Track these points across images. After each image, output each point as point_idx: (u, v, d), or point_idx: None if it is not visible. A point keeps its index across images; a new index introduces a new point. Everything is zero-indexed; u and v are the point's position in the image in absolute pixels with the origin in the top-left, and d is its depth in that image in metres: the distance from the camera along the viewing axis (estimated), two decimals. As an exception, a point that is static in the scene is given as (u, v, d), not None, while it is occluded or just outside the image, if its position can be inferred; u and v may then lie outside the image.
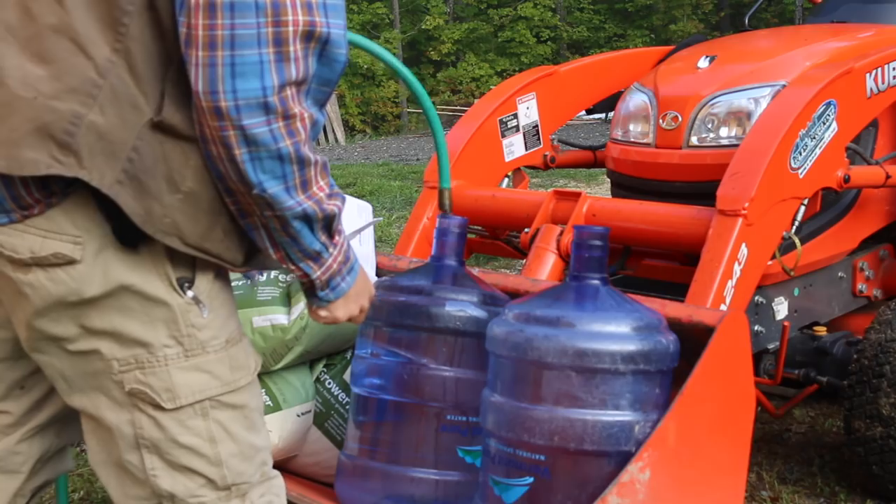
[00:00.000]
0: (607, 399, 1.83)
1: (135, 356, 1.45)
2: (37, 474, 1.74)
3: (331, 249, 1.51)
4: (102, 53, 1.37)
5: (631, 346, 1.83)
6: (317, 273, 1.51)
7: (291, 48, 1.35)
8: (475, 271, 2.29)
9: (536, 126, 3.37)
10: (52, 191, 1.39)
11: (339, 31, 1.40)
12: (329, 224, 1.48)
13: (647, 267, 2.90)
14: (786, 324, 2.78)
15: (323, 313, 1.59)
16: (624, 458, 1.83)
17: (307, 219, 1.44)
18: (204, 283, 1.48)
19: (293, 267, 1.51)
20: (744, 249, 2.50)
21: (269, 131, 1.36)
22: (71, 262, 1.40)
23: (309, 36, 1.36)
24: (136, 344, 1.45)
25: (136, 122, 1.38)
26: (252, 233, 1.48)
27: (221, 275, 1.54)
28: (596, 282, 1.94)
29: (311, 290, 1.56)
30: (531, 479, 1.87)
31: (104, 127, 1.36)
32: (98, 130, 1.36)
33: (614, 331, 1.85)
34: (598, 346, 1.82)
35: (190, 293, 1.46)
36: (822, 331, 3.00)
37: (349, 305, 1.60)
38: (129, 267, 1.42)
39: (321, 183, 1.45)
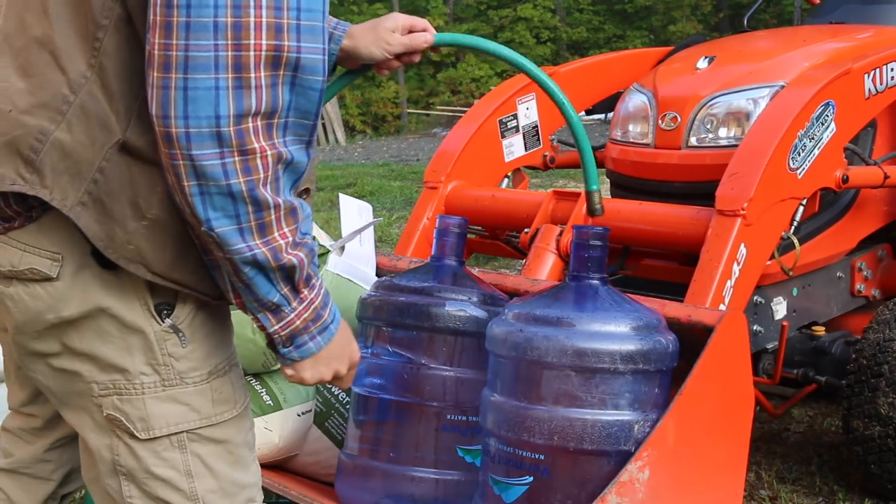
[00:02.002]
0: (607, 398, 1.84)
1: (113, 381, 1.41)
2: (68, 483, 1.75)
3: (293, 304, 1.37)
4: (77, 68, 1.32)
5: (630, 346, 1.83)
6: (274, 327, 1.38)
7: (253, 75, 1.23)
8: (475, 271, 2.29)
9: (536, 126, 3.38)
10: (31, 205, 1.35)
11: (314, 55, 1.28)
12: (290, 275, 1.34)
13: (646, 267, 2.90)
14: (784, 323, 2.79)
15: (289, 371, 1.45)
16: (623, 458, 1.84)
17: (259, 266, 1.32)
18: (185, 312, 1.41)
19: (251, 316, 1.39)
20: (742, 249, 2.50)
21: (220, 165, 1.25)
22: (48, 278, 1.36)
23: (275, 62, 1.24)
24: (113, 369, 1.40)
25: (105, 141, 1.32)
26: (214, 272, 1.38)
27: (210, 303, 1.45)
28: (595, 282, 1.94)
29: (272, 345, 1.42)
30: (531, 479, 1.87)
31: (70, 145, 1.31)
32: (63, 149, 1.31)
33: (613, 330, 1.85)
34: (598, 346, 1.83)
35: (168, 321, 1.40)
36: (820, 330, 3.01)
37: (319, 368, 1.45)
38: (108, 289, 1.37)
39: (285, 230, 1.32)
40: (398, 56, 1.90)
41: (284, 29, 1.24)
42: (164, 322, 1.40)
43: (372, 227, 2.64)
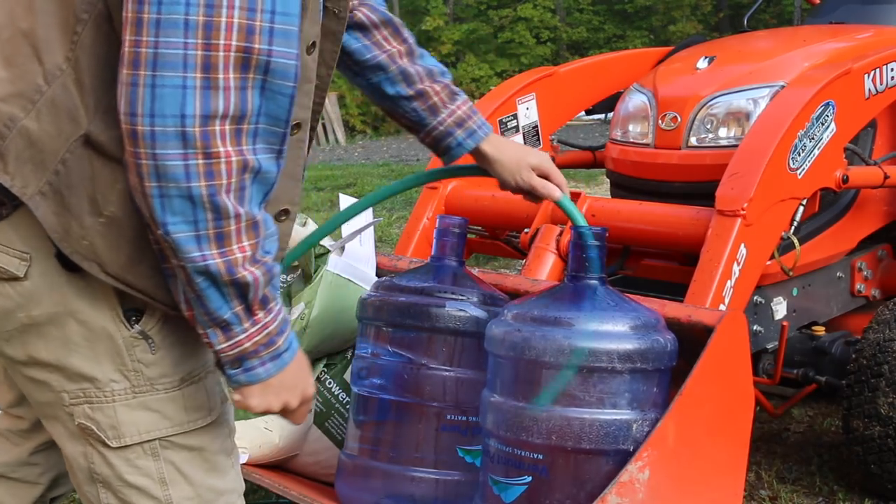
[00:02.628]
0: (605, 398, 1.84)
1: (83, 390, 1.39)
2: (57, 487, 1.74)
3: (245, 324, 1.32)
4: (54, 61, 1.31)
5: (628, 345, 1.84)
6: (222, 345, 1.32)
7: (222, 76, 1.21)
8: (475, 271, 2.29)
9: (536, 127, 3.38)
10: (1, 202, 1.34)
11: (286, 59, 1.26)
12: (244, 293, 1.29)
13: (646, 267, 2.90)
14: (784, 323, 2.79)
15: (236, 396, 1.39)
16: (622, 457, 1.84)
17: (211, 278, 1.27)
18: (154, 318, 1.39)
19: (200, 332, 1.33)
20: (743, 249, 2.50)
21: (183, 166, 1.22)
22: (15, 278, 1.35)
23: (245, 64, 1.22)
24: (82, 378, 1.39)
25: (71, 134, 1.31)
26: (169, 280, 1.34)
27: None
28: (593, 281, 1.94)
29: (219, 364, 1.37)
30: (529, 479, 1.88)
31: (36, 134, 1.31)
32: (29, 137, 1.31)
33: (611, 330, 1.85)
34: (595, 345, 1.83)
35: (137, 327, 1.38)
36: (820, 330, 3.01)
37: (267, 397, 1.39)
38: (77, 293, 1.36)
39: (244, 243, 1.27)
40: (521, 188, 2.00)
41: (256, 31, 1.22)
42: (132, 328, 1.38)
43: (372, 227, 2.65)
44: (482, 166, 2.03)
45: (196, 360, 1.46)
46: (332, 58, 1.53)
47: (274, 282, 1.33)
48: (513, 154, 2.01)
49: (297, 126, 1.43)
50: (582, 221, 2.01)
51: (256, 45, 1.22)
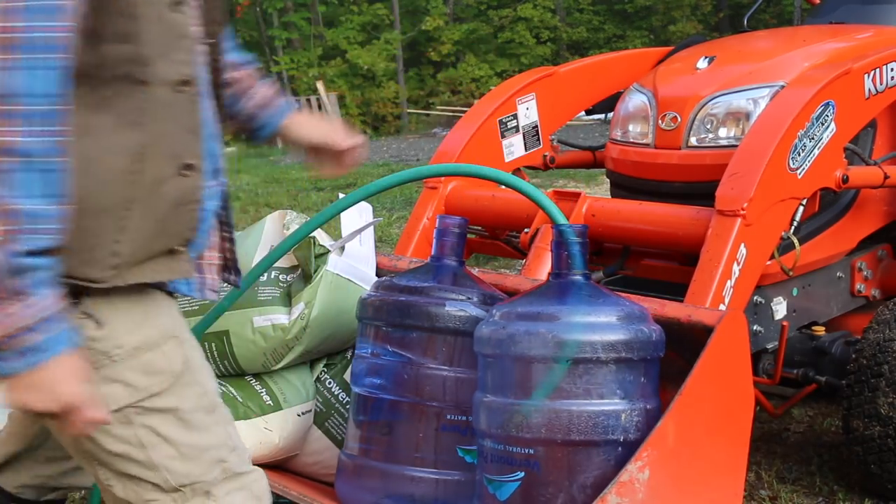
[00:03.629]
0: (592, 389, 1.85)
1: None
2: (72, 474, 1.81)
3: None
4: None
5: (612, 336, 1.85)
6: None
7: None
8: (475, 271, 2.30)
9: (536, 126, 3.38)
10: None
11: (45, 34, 1.25)
12: None
13: (646, 267, 2.90)
14: (784, 323, 2.79)
15: None
16: (612, 447, 1.85)
17: None
18: (92, 297, 1.42)
19: None
20: (742, 249, 2.50)
21: None
22: None
23: (3, 45, 1.24)
24: None
25: None
26: None
27: (110, 287, 1.42)
28: (577, 278, 1.95)
29: None
30: (522, 474, 1.88)
31: None
32: None
33: (594, 321, 1.87)
34: (580, 337, 1.84)
35: (79, 308, 1.42)
36: (820, 330, 3.01)
37: (19, 394, 1.32)
38: None
39: None
40: (324, 138, 1.96)
41: (10, 10, 1.23)
42: (75, 309, 1.41)
43: (372, 227, 2.65)
44: (290, 139, 1.97)
45: (148, 328, 1.49)
46: (219, 12, 1.55)
47: (40, 277, 1.28)
48: (319, 121, 1.98)
49: (186, 83, 1.44)
50: (562, 220, 2.01)
51: (9, 24, 1.23)
